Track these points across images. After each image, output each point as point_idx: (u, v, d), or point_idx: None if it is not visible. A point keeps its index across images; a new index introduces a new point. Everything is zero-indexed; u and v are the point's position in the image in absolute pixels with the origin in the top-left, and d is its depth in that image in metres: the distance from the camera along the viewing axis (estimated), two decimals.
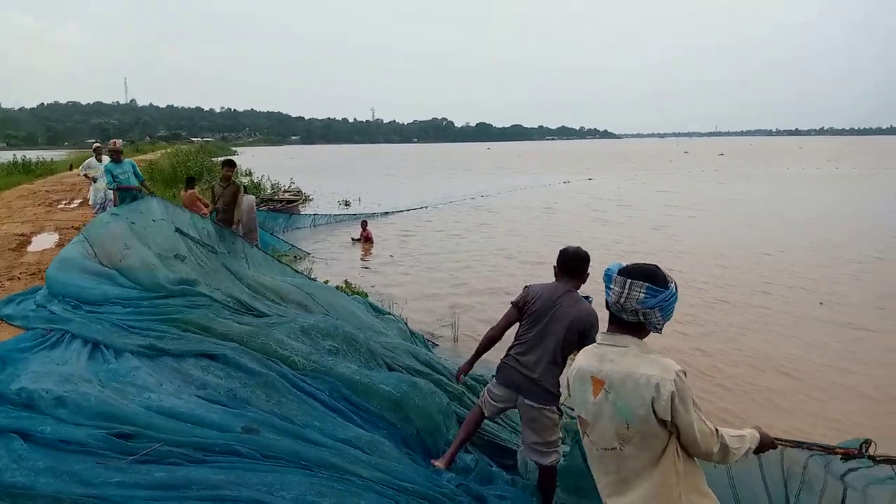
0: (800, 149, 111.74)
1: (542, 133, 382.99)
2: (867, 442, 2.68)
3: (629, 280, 2.29)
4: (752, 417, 6.23)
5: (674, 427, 2.24)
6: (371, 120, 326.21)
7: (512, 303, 4.04)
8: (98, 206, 11.68)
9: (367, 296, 9.24)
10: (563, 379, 3.55)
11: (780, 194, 30.25)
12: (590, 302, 8.29)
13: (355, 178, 45.85)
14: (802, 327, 9.28)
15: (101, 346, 4.72)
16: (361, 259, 15.05)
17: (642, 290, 2.27)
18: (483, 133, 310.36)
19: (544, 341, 3.85)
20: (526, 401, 3.90)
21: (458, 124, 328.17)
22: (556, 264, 3.98)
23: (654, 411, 2.21)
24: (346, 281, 10.58)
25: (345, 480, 3.38)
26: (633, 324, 2.34)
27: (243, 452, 3.44)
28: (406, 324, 7.69)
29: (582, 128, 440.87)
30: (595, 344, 2.44)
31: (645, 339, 2.38)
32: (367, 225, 17.22)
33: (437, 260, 14.61)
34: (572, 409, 3.88)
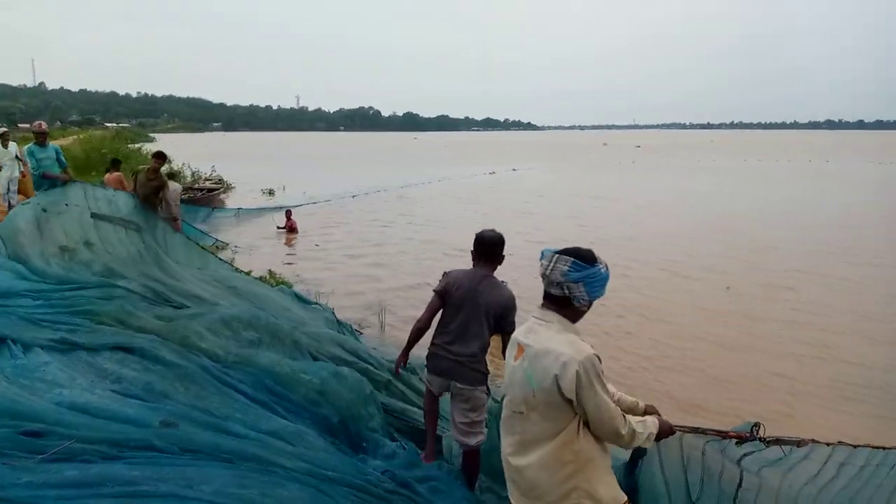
0: (711, 142, 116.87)
1: (468, 124, 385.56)
2: (757, 425, 2.85)
3: (557, 255, 2.42)
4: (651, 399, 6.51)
5: (580, 408, 2.34)
6: (296, 108, 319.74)
7: (434, 291, 4.08)
8: (4, 196, 11.02)
9: (291, 286, 9.11)
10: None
11: (693, 186, 31.55)
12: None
13: (280, 166, 44.91)
14: (709, 311, 9.76)
15: (8, 340, 4.47)
16: (286, 249, 14.80)
17: (567, 264, 2.38)
18: (410, 123, 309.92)
19: (468, 326, 3.92)
20: (458, 384, 3.98)
21: (385, 113, 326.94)
22: (472, 249, 4.04)
23: (560, 388, 2.31)
24: (269, 271, 10.40)
25: (268, 472, 3.34)
26: (559, 298, 2.43)
27: (161, 447, 3.34)
28: (333, 313, 7.63)
29: (506, 119, 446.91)
30: (531, 316, 2.55)
31: (576, 324, 2.47)
32: (291, 214, 16.94)
33: (363, 249, 14.55)
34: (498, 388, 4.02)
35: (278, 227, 16.71)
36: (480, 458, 4.07)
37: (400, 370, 4.49)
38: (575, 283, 2.37)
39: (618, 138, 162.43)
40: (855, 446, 3.01)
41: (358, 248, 14.81)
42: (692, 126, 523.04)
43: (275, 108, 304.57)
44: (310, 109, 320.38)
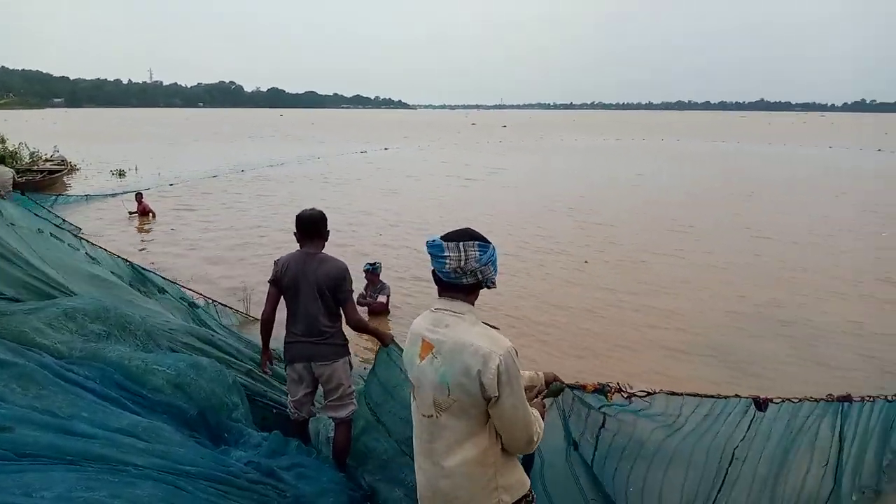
0: (574, 121, 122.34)
1: (336, 101, 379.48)
2: (609, 384, 3.11)
3: (461, 243, 2.29)
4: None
5: (496, 408, 2.22)
6: (149, 82, 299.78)
7: (269, 281, 4.10)
8: None
9: (144, 271, 8.57)
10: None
11: (560, 164, 33.01)
12: (376, 269, 8.44)
13: (131, 145, 42.10)
14: (571, 283, 10.27)
15: None
16: (139, 234, 13.92)
17: (476, 249, 2.28)
18: (275, 99, 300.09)
19: (309, 308, 3.97)
20: (319, 364, 4.04)
21: (248, 89, 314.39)
22: (295, 231, 4.08)
23: (482, 384, 2.17)
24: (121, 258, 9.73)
25: (118, 471, 3.15)
26: (470, 287, 2.33)
27: None
28: (191, 300, 7.31)
29: (377, 97, 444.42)
30: (432, 308, 2.38)
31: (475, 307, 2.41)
32: (143, 197, 15.88)
33: (223, 233, 13.95)
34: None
35: (130, 212, 15.66)
36: (351, 432, 4.17)
37: (268, 367, 4.47)
38: (486, 265, 2.31)
39: (486, 118, 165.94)
40: (701, 395, 3.35)
41: (217, 231, 14.17)
42: (556, 106, 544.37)
43: (125, 81, 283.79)
44: (165, 84, 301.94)
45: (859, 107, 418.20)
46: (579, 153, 41.26)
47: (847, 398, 3.66)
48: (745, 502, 3.56)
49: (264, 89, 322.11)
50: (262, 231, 14.24)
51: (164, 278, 7.72)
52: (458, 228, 2.38)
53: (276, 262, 4.08)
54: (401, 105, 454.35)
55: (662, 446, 3.40)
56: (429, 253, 2.34)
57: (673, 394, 3.30)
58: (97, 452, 3.25)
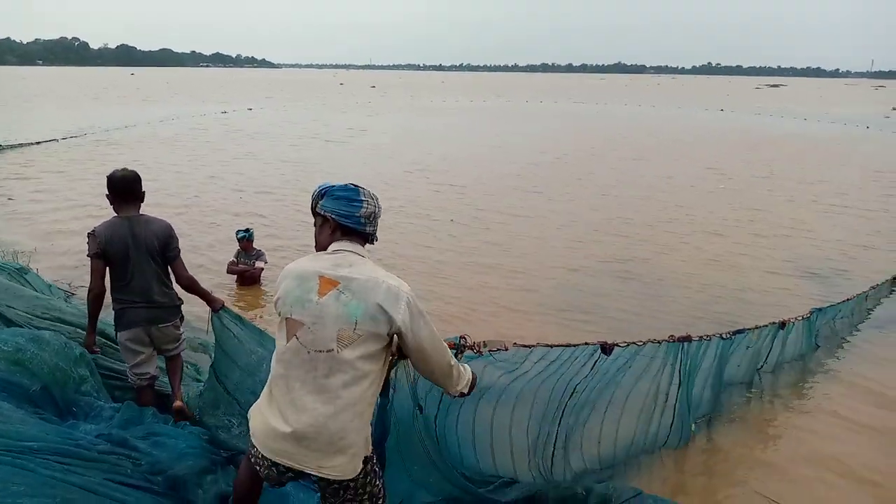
0: (442, 83, 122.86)
1: (195, 59, 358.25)
2: (463, 337, 3.09)
3: (367, 190, 2.42)
4: None
5: (406, 339, 2.31)
6: None
7: (89, 256, 3.87)
8: None
9: None
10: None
11: (423, 125, 33.12)
12: (250, 236, 8.11)
13: None
14: (439, 240, 10.43)
15: None
16: None
17: (377, 198, 2.47)
18: (126, 57, 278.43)
19: (143, 272, 3.87)
20: (161, 326, 4.00)
21: (94, 45, 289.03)
22: (107, 193, 3.92)
23: (391, 319, 2.25)
24: None
25: None
26: (368, 235, 2.44)
27: None
28: (36, 273, 6.76)
29: (239, 55, 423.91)
30: (326, 251, 2.40)
31: None
32: None
33: (67, 203, 12.82)
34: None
35: None
36: None
37: (95, 348, 4.31)
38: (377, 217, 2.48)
39: (354, 77, 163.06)
40: (551, 346, 3.50)
41: (61, 201, 13.00)
42: (426, 67, 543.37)
43: None
44: None
45: (706, 70, 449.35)
46: (445, 114, 41.61)
47: (686, 338, 3.99)
48: (586, 428, 3.84)
49: (113, 46, 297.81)
50: (102, 202, 13.11)
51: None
52: (351, 184, 2.46)
53: (92, 234, 3.82)
54: (265, 64, 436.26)
55: (508, 389, 3.51)
56: (335, 196, 2.39)
57: (524, 346, 3.40)
58: None
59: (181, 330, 4.25)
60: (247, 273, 7.90)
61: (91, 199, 12.77)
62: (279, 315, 2.39)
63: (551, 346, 3.50)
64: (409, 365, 3.11)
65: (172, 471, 3.33)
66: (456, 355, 2.85)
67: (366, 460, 2.40)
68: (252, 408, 2.51)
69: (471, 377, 2.69)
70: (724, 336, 4.40)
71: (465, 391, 2.67)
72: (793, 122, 39.01)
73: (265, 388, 2.46)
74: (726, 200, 14.01)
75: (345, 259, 2.34)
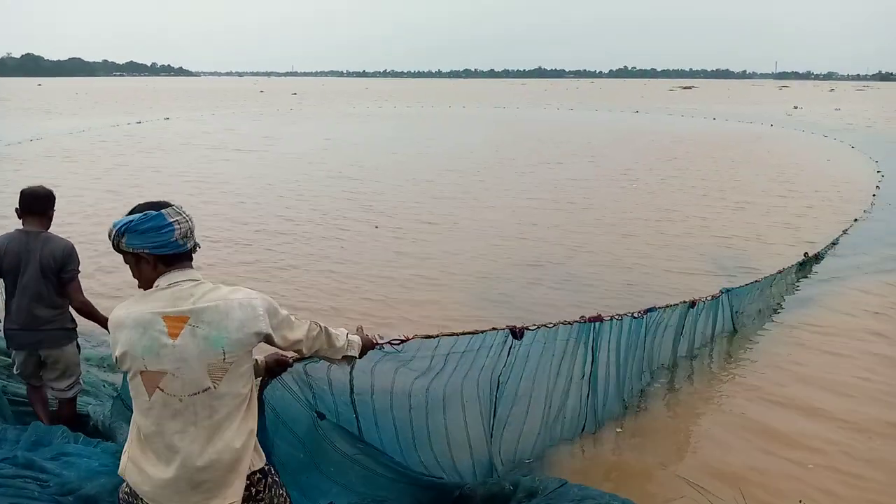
0: (366, 89, 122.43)
1: (108, 69, 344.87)
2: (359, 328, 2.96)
3: (172, 208, 2.16)
4: None
5: (277, 336, 2.24)
6: None
7: None
8: None
9: None
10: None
11: (343, 132, 32.82)
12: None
13: None
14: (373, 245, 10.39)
15: None
16: None
17: (184, 210, 2.21)
18: (31, 67, 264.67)
19: (37, 290, 3.72)
20: (47, 350, 3.83)
21: None
22: (17, 207, 3.81)
23: (259, 331, 2.14)
24: None
25: None
26: (190, 252, 2.21)
27: None
28: None
29: (154, 64, 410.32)
30: (155, 288, 2.13)
31: None
32: None
33: None
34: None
35: None
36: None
37: None
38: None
39: (276, 85, 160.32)
40: (457, 334, 3.42)
41: None
42: (350, 74, 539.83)
43: None
44: None
45: (623, 73, 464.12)
46: (366, 121, 41.53)
47: (597, 318, 4.06)
48: (520, 417, 3.88)
49: (17, 55, 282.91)
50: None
51: None
52: (143, 202, 2.19)
53: None
54: (182, 72, 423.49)
55: (431, 392, 3.49)
56: (139, 231, 2.08)
57: (428, 337, 3.29)
58: None
59: (76, 368, 4.00)
60: None
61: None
62: (126, 371, 2.12)
63: (457, 335, 3.42)
64: (297, 377, 3.04)
65: (83, 490, 3.18)
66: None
67: (265, 472, 2.33)
68: (125, 457, 2.23)
69: (355, 339, 2.65)
70: (635, 315, 4.50)
71: (354, 353, 2.64)
72: (703, 121, 40.81)
73: (134, 439, 2.20)
74: (637, 199, 14.47)
75: (183, 291, 2.11)
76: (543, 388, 4.01)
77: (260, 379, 2.68)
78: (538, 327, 3.71)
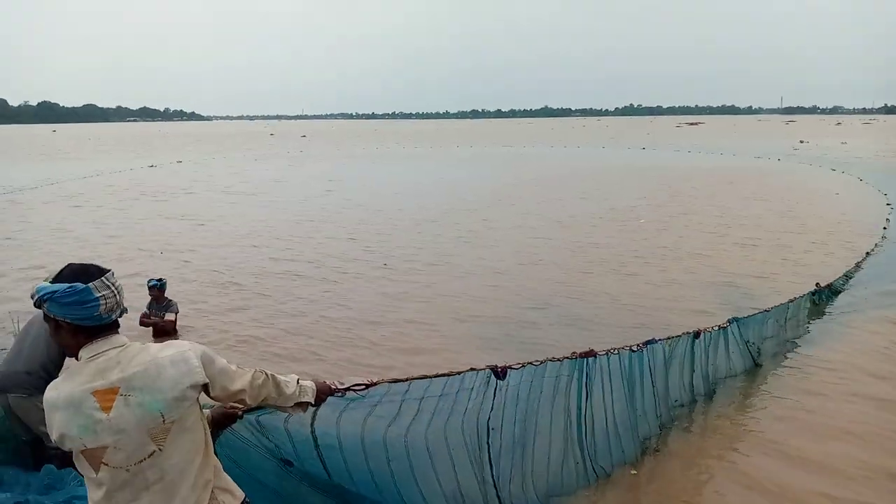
0: (375, 131, 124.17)
1: (121, 114, 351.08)
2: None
3: (103, 279, 2.07)
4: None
5: (216, 387, 2.19)
6: None
7: None
8: None
9: None
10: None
11: (350, 172, 33.32)
12: (163, 285, 7.94)
13: None
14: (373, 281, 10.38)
15: None
16: None
17: (115, 279, 2.13)
18: (48, 114, 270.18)
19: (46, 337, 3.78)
20: (15, 395, 3.92)
21: (13, 102, 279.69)
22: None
23: (196, 383, 2.11)
24: None
25: None
26: (117, 322, 2.15)
27: None
28: None
29: (167, 109, 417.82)
30: (81, 360, 2.07)
31: None
32: None
33: None
34: None
35: None
36: None
37: None
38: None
39: (286, 128, 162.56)
40: (431, 377, 3.18)
41: None
42: (359, 116, 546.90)
43: None
44: None
45: (629, 111, 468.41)
46: (373, 161, 42.19)
47: (590, 353, 3.84)
48: (514, 464, 3.65)
49: (34, 103, 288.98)
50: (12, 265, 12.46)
51: None
52: (71, 265, 2.11)
53: None
54: (194, 117, 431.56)
55: (411, 441, 3.24)
56: (61, 302, 2.00)
57: (396, 381, 3.07)
58: None
59: None
60: (158, 325, 7.81)
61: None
62: (68, 450, 2.08)
63: (431, 377, 3.18)
64: (250, 427, 2.90)
65: None
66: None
67: None
68: None
69: (308, 385, 2.54)
70: (633, 348, 4.27)
71: (308, 399, 2.53)
72: (710, 156, 40.93)
73: None
74: (644, 237, 14.37)
75: (109, 361, 2.05)
76: (540, 430, 3.79)
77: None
78: (523, 365, 3.52)
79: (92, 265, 2.12)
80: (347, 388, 2.83)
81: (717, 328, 5.66)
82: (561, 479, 4.00)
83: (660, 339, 4.65)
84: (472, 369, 3.32)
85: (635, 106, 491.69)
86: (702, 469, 4.73)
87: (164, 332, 7.78)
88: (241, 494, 2.35)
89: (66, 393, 2.02)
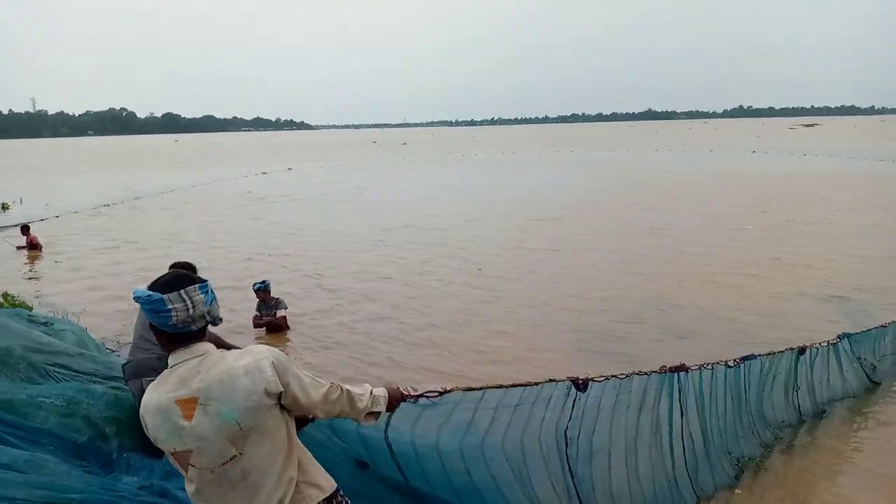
0: (474, 137, 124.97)
1: (236, 124, 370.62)
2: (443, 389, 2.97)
3: (181, 291, 2.16)
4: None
5: (288, 396, 2.23)
6: (32, 111, 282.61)
7: None
8: None
9: (31, 308, 8.20)
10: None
11: (444, 179, 33.60)
12: (266, 286, 8.45)
13: (12, 177, 39.72)
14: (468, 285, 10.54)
15: None
16: (25, 268, 13.20)
17: (197, 292, 2.19)
18: (171, 125, 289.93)
19: None
20: (149, 380, 4.27)
21: (141, 115, 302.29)
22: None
23: (267, 393, 2.15)
24: (4, 293, 9.24)
25: None
26: (200, 331, 2.24)
27: None
28: (85, 331, 7.07)
29: (278, 119, 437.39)
30: (167, 370, 2.21)
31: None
32: (29, 230, 15.02)
33: (112, 264, 13.45)
34: None
35: (18, 247, 14.82)
36: None
37: None
38: (212, 304, 2.24)
39: (388, 136, 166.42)
40: (507, 386, 3.16)
41: (106, 261, 13.69)
42: (458, 123, 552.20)
43: (5, 112, 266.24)
44: (50, 113, 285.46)
45: (738, 112, 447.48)
46: (472, 166, 42.65)
47: (681, 368, 3.67)
48: (596, 477, 3.55)
49: (158, 115, 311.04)
50: (148, 263, 13.67)
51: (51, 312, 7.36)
52: (168, 274, 2.26)
53: None
54: (303, 126, 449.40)
55: (488, 448, 3.24)
56: (145, 309, 2.16)
57: (470, 389, 3.06)
58: None
59: None
60: (271, 324, 8.33)
61: (140, 262, 13.35)
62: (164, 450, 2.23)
63: (506, 387, 3.15)
64: (322, 430, 2.93)
65: None
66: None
67: (333, 497, 2.40)
68: None
69: (380, 394, 2.56)
70: (729, 363, 4.06)
71: (380, 409, 2.55)
72: (824, 160, 38.61)
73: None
74: (752, 244, 13.80)
75: (189, 370, 2.16)
76: (627, 445, 3.68)
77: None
78: (607, 378, 3.43)
79: (184, 275, 2.23)
80: (420, 395, 2.83)
81: (825, 344, 5.35)
82: (655, 496, 3.86)
83: (759, 355, 4.45)
84: (550, 380, 3.27)
85: (745, 108, 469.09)
86: (802, 499, 4.49)
87: (278, 328, 8.35)
88: (329, 486, 2.41)
89: (155, 400, 2.17)
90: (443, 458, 3.15)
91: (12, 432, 3.99)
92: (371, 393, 2.51)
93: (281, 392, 2.19)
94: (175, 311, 2.13)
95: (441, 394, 2.92)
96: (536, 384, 3.21)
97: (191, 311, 2.16)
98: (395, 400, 2.66)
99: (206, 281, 2.26)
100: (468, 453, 3.19)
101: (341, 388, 2.39)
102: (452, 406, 3.05)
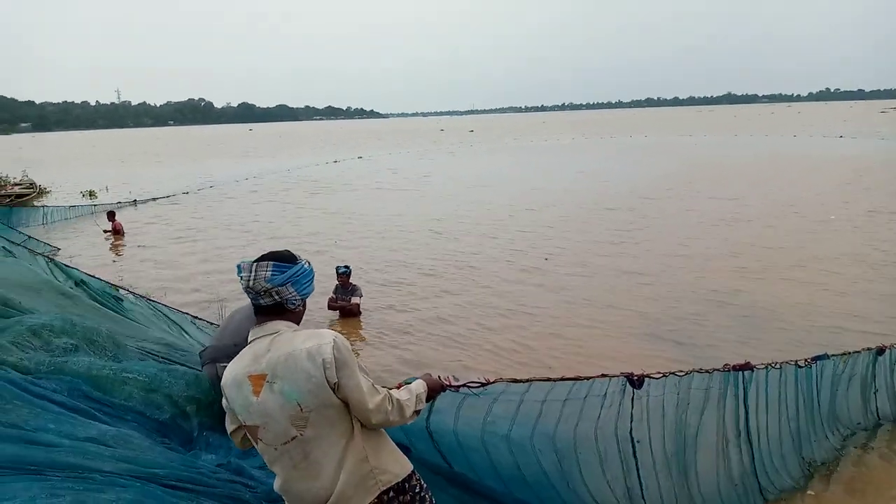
0: (543, 123, 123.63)
1: (308, 113, 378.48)
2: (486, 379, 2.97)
3: (255, 263, 2.28)
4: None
5: (340, 391, 2.23)
6: (117, 102, 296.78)
7: None
8: None
9: (117, 288, 8.65)
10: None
11: (521, 166, 33.40)
12: (348, 271, 8.65)
13: (100, 166, 41.95)
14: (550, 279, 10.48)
15: None
16: (111, 253, 13.96)
17: (268, 269, 2.26)
18: (246, 114, 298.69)
19: None
20: (223, 365, 4.40)
21: (217, 105, 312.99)
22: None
23: (326, 379, 2.19)
24: (92, 276, 9.78)
25: (83, 479, 3.24)
26: (273, 307, 2.31)
27: None
28: (169, 309, 7.42)
29: (349, 108, 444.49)
30: (248, 345, 2.33)
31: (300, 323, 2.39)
32: (115, 216, 15.90)
33: (192, 247, 14.14)
34: None
35: (105, 231, 15.68)
36: None
37: None
38: (282, 286, 2.28)
39: (456, 123, 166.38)
40: (555, 380, 3.10)
41: (186, 245, 14.37)
42: (527, 109, 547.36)
43: (92, 103, 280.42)
44: (133, 104, 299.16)
45: (825, 96, 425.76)
46: (540, 153, 42.21)
47: (746, 366, 3.50)
48: (672, 483, 3.46)
49: (234, 105, 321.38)
50: (225, 243, 14.37)
51: (134, 294, 7.73)
52: (271, 251, 2.38)
53: None
54: (373, 115, 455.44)
55: (538, 441, 3.19)
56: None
57: (515, 380, 3.03)
58: (62, 461, 3.32)
59: None
60: (345, 308, 8.62)
61: (217, 244, 13.89)
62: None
63: (554, 380, 3.07)
64: None
65: None
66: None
67: (402, 488, 2.40)
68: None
69: (420, 391, 2.55)
70: (800, 363, 3.86)
71: (420, 408, 2.54)
72: None
73: None
74: (829, 236, 13.15)
75: (261, 346, 2.26)
76: (697, 447, 3.56)
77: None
78: (664, 375, 3.26)
79: (273, 254, 2.34)
80: (462, 385, 2.84)
81: None
82: (720, 500, 3.75)
83: (833, 355, 4.22)
84: (603, 375, 3.19)
85: (831, 90, 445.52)
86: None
87: (351, 313, 8.64)
88: (403, 471, 2.43)
89: (232, 373, 2.30)
90: (488, 447, 3.15)
91: (99, 408, 4.21)
92: (415, 394, 2.51)
93: (335, 384, 2.21)
94: (242, 280, 2.28)
95: (483, 384, 2.92)
96: (588, 378, 3.14)
97: (251, 282, 2.26)
98: (434, 390, 2.68)
99: (291, 264, 2.32)
100: (516, 444, 3.17)
101: (393, 402, 2.37)
102: (495, 396, 3.04)
